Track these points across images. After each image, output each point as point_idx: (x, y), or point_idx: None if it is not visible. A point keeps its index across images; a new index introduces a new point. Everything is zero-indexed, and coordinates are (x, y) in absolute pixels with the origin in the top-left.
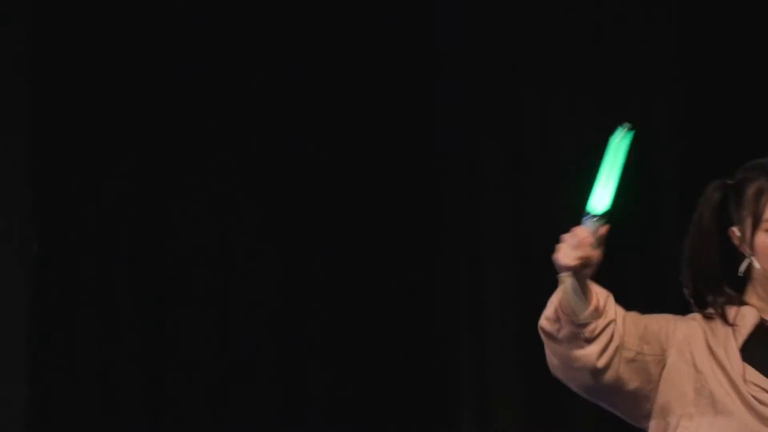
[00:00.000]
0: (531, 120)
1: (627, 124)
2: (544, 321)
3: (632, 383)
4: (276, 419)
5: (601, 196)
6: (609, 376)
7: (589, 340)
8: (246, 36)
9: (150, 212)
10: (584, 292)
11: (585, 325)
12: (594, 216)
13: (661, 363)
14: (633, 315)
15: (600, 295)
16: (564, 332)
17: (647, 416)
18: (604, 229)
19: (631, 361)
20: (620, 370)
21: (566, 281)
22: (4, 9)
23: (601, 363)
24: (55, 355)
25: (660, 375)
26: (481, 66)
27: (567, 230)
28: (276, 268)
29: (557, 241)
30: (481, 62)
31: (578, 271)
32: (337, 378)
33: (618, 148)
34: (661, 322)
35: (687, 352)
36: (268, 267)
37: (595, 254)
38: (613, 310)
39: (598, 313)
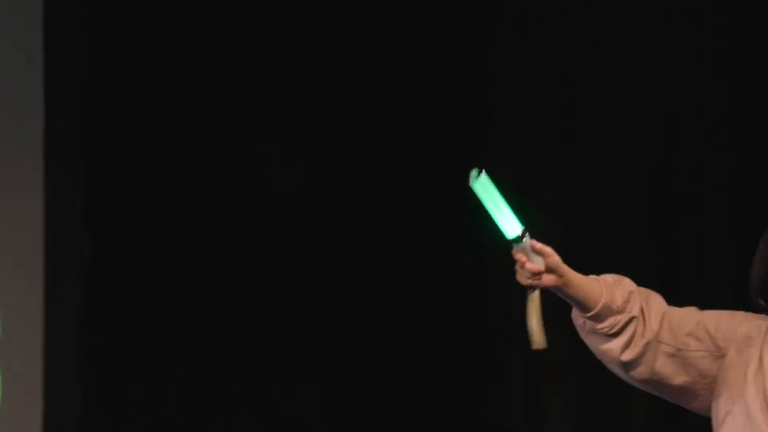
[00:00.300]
0: (582, 133)
1: (475, 170)
2: (574, 313)
3: (678, 378)
4: (323, 413)
5: (507, 224)
6: (642, 370)
7: (611, 335)
8: (279, 31)
9: (198, 214)
10: (576, 295)
11: (600, 320)
12: (513, 240)
13: (719, 359)
14: (682, 311)
15: (616, 292)
16: (587, 326)
17: (708, 408)
18: (533, 243)
19: (672, 356)
20: (657, 365)
21: (530, 294)
22: (60, 28)
23: (626, 357)
24: (106, 357)
25: (718, 370)
26: (533, 75)
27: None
28: (322, 265)
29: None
30: (532, 71)
31: (536, 288)
32: (386, 373)
33: (483, 185)
34: (722, 318)
35: (744, 351)
36: (318, 259)
37: (546, 264)
38: (638, 306)
39: (611, 310)
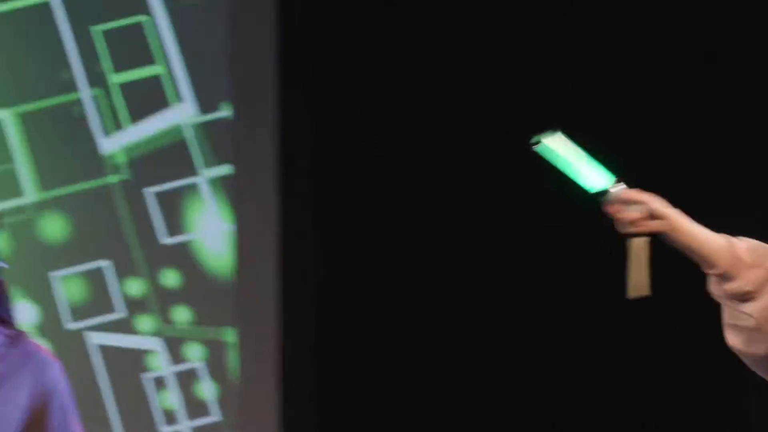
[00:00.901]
0: None
1: (536, 138)
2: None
3: None
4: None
5: (593, 178)
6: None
7: (746, 299)
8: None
9: (434, 235)
10: (692, 245)
11: (730, 280)
12: (601, 194)
13: None
14: None
15: (746, 266)
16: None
17: None
18: (625, 194)
19: None
20: None
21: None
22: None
23: (754, 318)
24: (342, 385)
25: None
26: None
27: None
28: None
29: None
30: None
31: (638, 235)
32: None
33: (554, 148)
34: None
35: None
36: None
37: (646, 210)
38: (753, 283)
39: (726, 276)
